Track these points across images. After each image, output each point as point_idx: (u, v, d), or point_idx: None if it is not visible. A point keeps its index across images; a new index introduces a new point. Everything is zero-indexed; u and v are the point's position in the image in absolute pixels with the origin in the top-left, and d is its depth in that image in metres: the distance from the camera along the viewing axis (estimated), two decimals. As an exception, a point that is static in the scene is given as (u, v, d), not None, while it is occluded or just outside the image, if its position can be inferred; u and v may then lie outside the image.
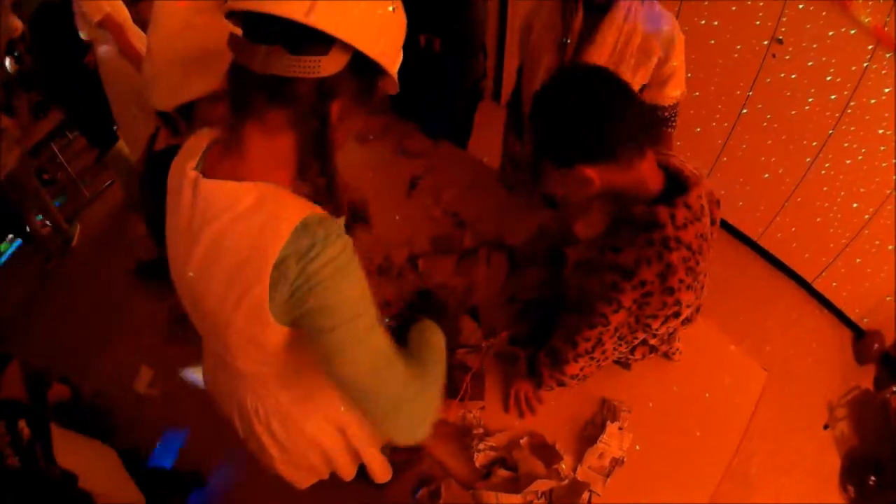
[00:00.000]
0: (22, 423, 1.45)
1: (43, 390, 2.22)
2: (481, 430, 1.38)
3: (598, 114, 0.96)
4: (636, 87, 1.56)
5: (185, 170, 0.82)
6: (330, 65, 0.73)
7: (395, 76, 0.82)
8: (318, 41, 0.71)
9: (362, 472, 1.38)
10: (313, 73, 0.72)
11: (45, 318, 2.88)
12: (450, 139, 2.16)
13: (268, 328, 0.80)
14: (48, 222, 3.21)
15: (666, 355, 1.46)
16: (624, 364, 1.47)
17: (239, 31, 0.75)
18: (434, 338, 1.01)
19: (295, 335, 0.84)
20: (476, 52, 2.04)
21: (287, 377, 1.00)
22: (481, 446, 1.34)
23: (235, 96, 0.78)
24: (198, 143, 0.86)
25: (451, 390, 1.41)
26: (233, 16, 0.76)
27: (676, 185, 1.06)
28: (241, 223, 0.76)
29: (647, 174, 1.04)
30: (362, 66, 0.76)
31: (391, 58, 0.79)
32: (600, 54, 1.46)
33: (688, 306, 1.08)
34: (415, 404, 0.84)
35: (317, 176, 0.82)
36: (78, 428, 2.25)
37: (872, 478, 2.21)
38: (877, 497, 2.19)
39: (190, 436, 2.29)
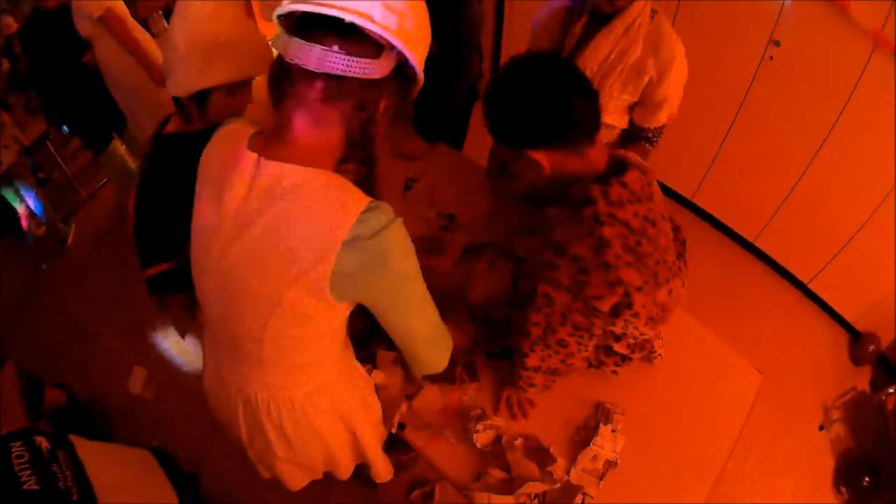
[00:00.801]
0: (39, 440, 1.38)
1: (38, 397, 2.22)
2: (479, 411, 1.39)
3: (553, 101, 0.99)
4: (624, 104, 1.58)
5: (237, 152, 0.86)
6: (382, 67, 0.80)
7: (420, 81, 0.90)
8: (372, 45, 0.78)
9: (357, 473, 1.39)
10: (366, 74, 0.79)
11: (39, 319, 2.87)
12: (446, 140, 2.16)
13: (320, 304, 0.86)
14: (43, 222, 3.20)
15: (648, 360, 1.45)
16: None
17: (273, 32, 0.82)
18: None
19: (338, 316, 0.94)
20: (472, 52, 2.04)
21: (305, 368, 1.04)
22: (480, 427, 1.35)
23: (284, 89, 0.82)
24: (236, 131, 0.91)
25: (447, 377, 1.42)
26: (284, 17, 0.81)
27: (617, 168, 1.09)
28: (311, 203, 0.81)
29: (594, 160, 1.07)
30: (402, 71, 0.85)
31: (422, 65, 0.87)
32: (591, 63, 1.45)
33: (638, 290, 1.06)
34: (445, 353, 1.08)
35: (357, 164, 0.92)
36: (74, 432, 2.26)
37: (867, 478, 2.21)
38: (871, 498, 2.20)
39: (185, 437, 2.29)
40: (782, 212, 2.70)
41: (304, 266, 0.81)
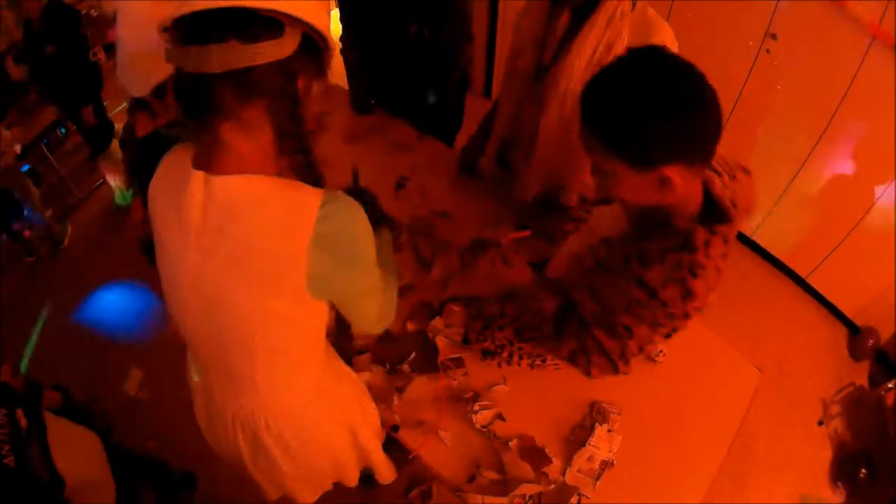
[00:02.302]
0: (19, 413, 1.44)
1: (38, 402, 2.21)
2: (472, 393, 1.39)
3: (712, 104, 0.84)
4: None
5: (185, 175, 0.82)
6: (287, 45, 0.75)
7: (334, 48, 0.86)
8: (270, 26, 0.73)
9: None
10: (275, 56, 0.74)
11: (35, 320, 2.85)
12: (439, 132, 2.16)
13: (305, 304, 0.86)
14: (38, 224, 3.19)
15: (651, 359, 1.45)
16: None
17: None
18: (391, 255, 1.23)
19: (321, 314, 0.94)
20: (465, 36, 2.04)
21: (297, 375, 1.04)
22: (476, 407, 1.35)
23: (195, 104, 0.78)
24: (178, 155, 0.87)
25: (434, 367, 1.43)
26: (168, 30, 0.76)
27: (714, 210, 0.97)
28: (267, 212, 0.79)
29: (696, 189, 0.96)
30: (309, 43, 0.80)
31: (328, 30, 0.82)
32: (579, 60, 1.42)
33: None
34: (392, 312, 1.11)
35: (293, 153, 0.86)
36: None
37: (863, 471, 2.21)
38: (869, 490, 2.19)
39: (181, 438, 2.28)
40: (780, 206, 2.69)
41: (278, 275, 0.82)
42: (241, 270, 0.82)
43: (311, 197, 0.80)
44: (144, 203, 1.50)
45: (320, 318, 0.96)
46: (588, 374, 1.19)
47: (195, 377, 1.15)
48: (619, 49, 1.38)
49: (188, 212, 0.82)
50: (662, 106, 0.82)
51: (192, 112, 0.79)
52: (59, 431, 1.55)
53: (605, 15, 1.37)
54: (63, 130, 3.57)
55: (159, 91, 1.29)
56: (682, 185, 0.89)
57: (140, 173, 1.45)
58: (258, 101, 0.77)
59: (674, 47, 1.38)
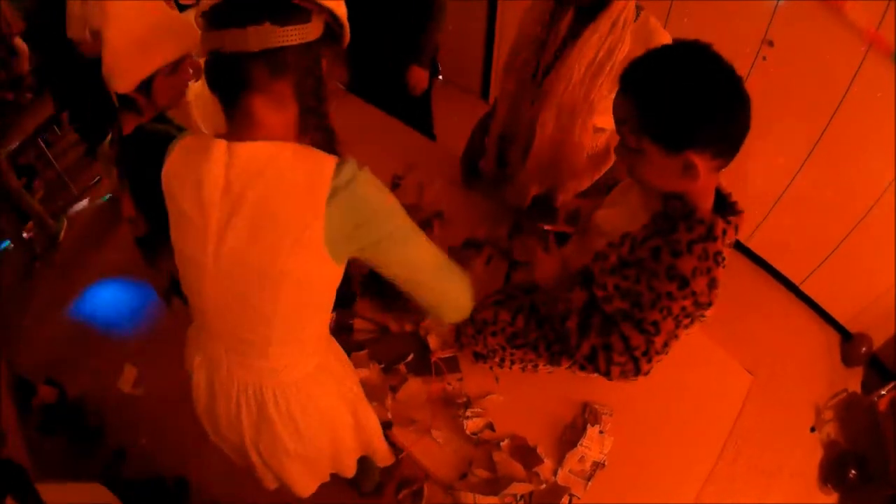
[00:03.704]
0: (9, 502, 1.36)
1: (29, 397, 2.21)
2: (464, 399, 1.39)
3: (737, 102, 0.89)
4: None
5: (205, 149, 0.89)
6: (313, 30, 0.86)
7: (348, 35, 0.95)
8: (300, 12, 0.84)
9: (349, 481, 1.38)
10: (303, 38, 0.85)
11: (30, 315, 2.85)
12: (413, 115, 2.32)
13: (323, 264, 0.90)
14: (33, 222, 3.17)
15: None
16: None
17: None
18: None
19: (335, 279, 0.97)
20: (431, 16, 2.18)
21: (307, 343, 1.08)
22: (468, 413, 1.36)
23: (230, 82, 0.87)
24: (193, 139, 0.95)
25: (429, 369, 1.44)
26: (204, 17, 0.85)
27: (722, 203, 1.05)
28: (286, 174, 0.86)
29: (713, 183, 1.01)
30: (330, 29, 0.91)
31: (346, 18, 0.92)
32: (578, 65, 1.42)
33: None
34: (463, 284, 1.06)
35: (314, 130, 0.95)
36: (64, 430, 2.25)
37: (853, 472, 2.22)
38: (859, 490, 2.20)
39: (174, 435, 2.27)
40: (775, 212, 2.70)
41: (297, 232, 0.85)
42: (262, 231, 0.87)
43: (327, 159, 0.87)
44: (134, 198, 1.51)
45: (331, 285, 0.99)
46: (607, 373, 1.18)
47: (197, 358, 1.15)
48: (621, 55, 1.40)
49: (209, 180, 0.88)
50: (704, 92, 0.88)
51: (226, 90, 0.88)
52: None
53: (608, 20, 1.37)
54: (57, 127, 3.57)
55: (143, 87, 1.33)
56: (703, 175, 0.94)
57: (128, 169, 1.46)
58: (287, 77, 0.87)
59: None
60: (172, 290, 1.66)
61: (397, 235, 0.94)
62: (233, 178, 0.87)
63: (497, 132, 1.72)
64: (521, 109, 1.60)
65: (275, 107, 0.89)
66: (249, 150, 0.86)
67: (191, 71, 1.39)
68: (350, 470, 1.35)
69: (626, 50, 1.40)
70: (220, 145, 0.88)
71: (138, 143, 1.38)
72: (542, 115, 1.52)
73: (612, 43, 1.39)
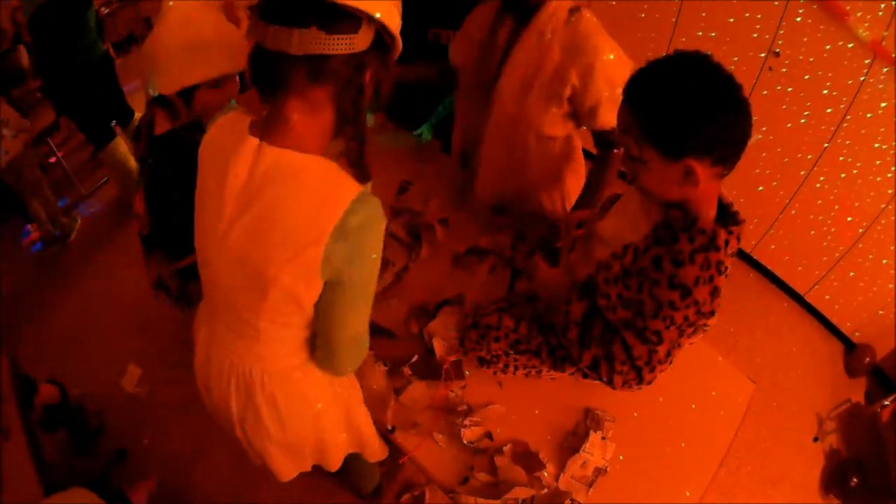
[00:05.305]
0: None
1: (31, 395, 2.21)
2: (465, 407, 1.39)
3: (734, 104, 0.90)
4: (555, 119, 1.44)
5: (240, 138, 0.88)
6: (361, 40, 0.82)
7: (400, 47, 0.91)
8: (350, 20, 0.80)
9: (349, 483, 1.38)
10: (349, 49, 0.81)
11: (35, 314, 2.86)
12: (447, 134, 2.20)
13: (311, 284, 0.90)
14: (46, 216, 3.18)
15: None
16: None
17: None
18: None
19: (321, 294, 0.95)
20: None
21: (296, 339, 1.07)
22: (467, 422, 1.36)
23: (268, 79, 0.85)
24: (234, 120, 0.94)
25: (434, 374, 1.43)
26: (255, 7, 0.82)
27: (724, 213, 1.06)
28: (307, 190, 0.85)
29: (714, 191, 1.02)
30: (380, 40, 0.87)
31: (398, 30, 0.88)
32: (511, 79, 1.38)
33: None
34: (356, 361, 1.09)
35: (350, 139, 0.93)
36: (66, 429, 2.26)
37: (855, 480, 2.21)
38: (861, 499, 2.19)
39: (176, 436, 2.28)
40: (779, 223, 2.70)
41: (298, 248, 0.85)
42: (263, 235, 0.88)
43: (349, 187, 0.86)
44: (146, 197, 1.52)
45: (315, 297, 0.97)
46: (610, 382, 1.18)
47: (202, 331, 1.18)
48: (549, 68, 1.35)
49: (234, 173, 0.88)
50: (701, 97, 0.89)
51: (264, 85, 0.86)
52: None
53: (535, 32, 1.32)
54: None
55: (185, 93, 1.32)
56: (703, 182, 0.94)
57: (151, 168, 1.47)
58: (327, 85, 0.84)
59: (608, 62, 1.33)
60: (158, 286, 1.70)
61: (357, 288, 0.95)
62: (255, 177, 0.87)
63: (459, 132, 1.72)
64: (472, 117, 1.59)
65: (309, 111, 0.86)
66: (277, 157, 0.86)
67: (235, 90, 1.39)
68: (334, 465, 1.35)
69: (556, 61, 1.34)
70: (252, 144, 0.87)
71: (169, 147, 1.40)
72: (489, 122, 1.52)
73: (539, 58, 1.34)
